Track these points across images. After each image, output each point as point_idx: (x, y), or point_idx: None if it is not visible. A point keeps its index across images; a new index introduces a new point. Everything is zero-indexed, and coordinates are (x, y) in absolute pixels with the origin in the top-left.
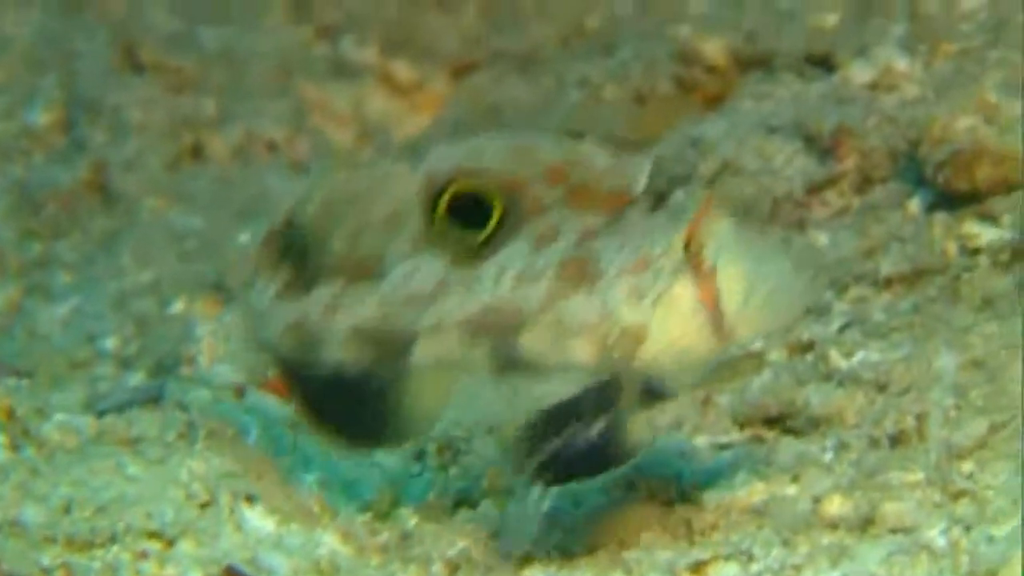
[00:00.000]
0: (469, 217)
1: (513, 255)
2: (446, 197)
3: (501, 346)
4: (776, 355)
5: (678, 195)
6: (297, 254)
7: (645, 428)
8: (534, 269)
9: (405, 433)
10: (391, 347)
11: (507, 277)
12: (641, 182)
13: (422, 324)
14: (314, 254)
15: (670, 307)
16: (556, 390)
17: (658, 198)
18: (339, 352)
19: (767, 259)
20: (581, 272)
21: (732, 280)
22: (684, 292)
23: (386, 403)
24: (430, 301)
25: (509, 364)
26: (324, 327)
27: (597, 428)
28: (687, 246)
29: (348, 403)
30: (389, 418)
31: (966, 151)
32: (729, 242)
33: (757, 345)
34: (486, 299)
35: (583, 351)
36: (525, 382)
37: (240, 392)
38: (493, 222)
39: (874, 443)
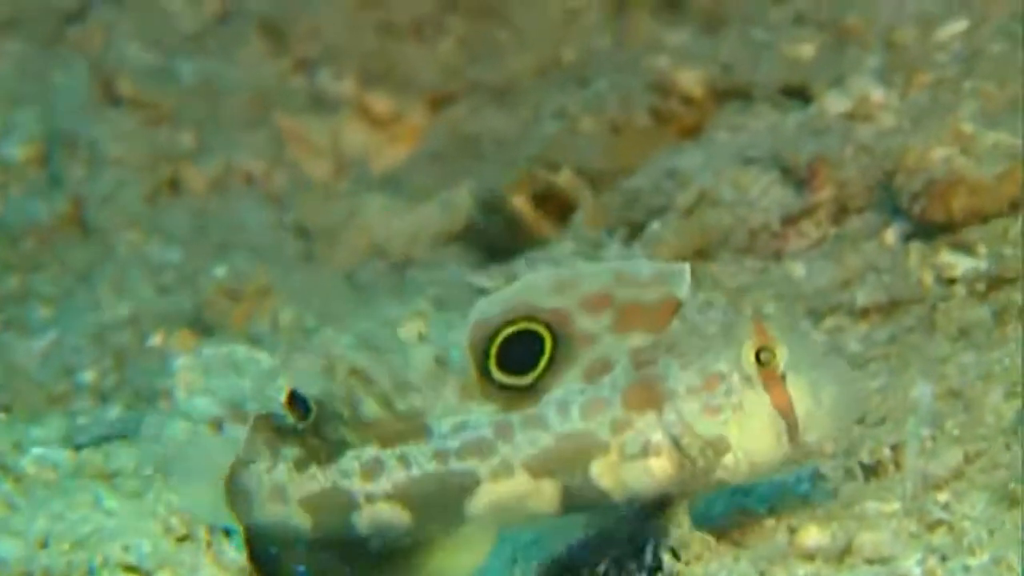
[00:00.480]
0: (522, 359)
1: (569, 389)
2: (499, 338)
3: (571, 480)
4: None
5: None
6: (299, 432)
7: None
8: (600, 398)
9: None
10: (445, 500)
11: (573, 410)
12: (686, 284)
13: (484, 470)
14: (332, 426)
15: (749, 418)
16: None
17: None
18: (382, 513)
19: (829, 365)
20: (648, 395)
21: (803, 386)
22: (760, 402)
23: (410, 570)
24: (492, 446)
25: (580, 498)
26: (361, 491)
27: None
28: (757, 358)
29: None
30: None
31: (942, 181)
32: (795, 351)
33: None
34: (556, 433)
35: (662, 470)
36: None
37: (218, 425)
38: (544, 361)
39: (850, 473)
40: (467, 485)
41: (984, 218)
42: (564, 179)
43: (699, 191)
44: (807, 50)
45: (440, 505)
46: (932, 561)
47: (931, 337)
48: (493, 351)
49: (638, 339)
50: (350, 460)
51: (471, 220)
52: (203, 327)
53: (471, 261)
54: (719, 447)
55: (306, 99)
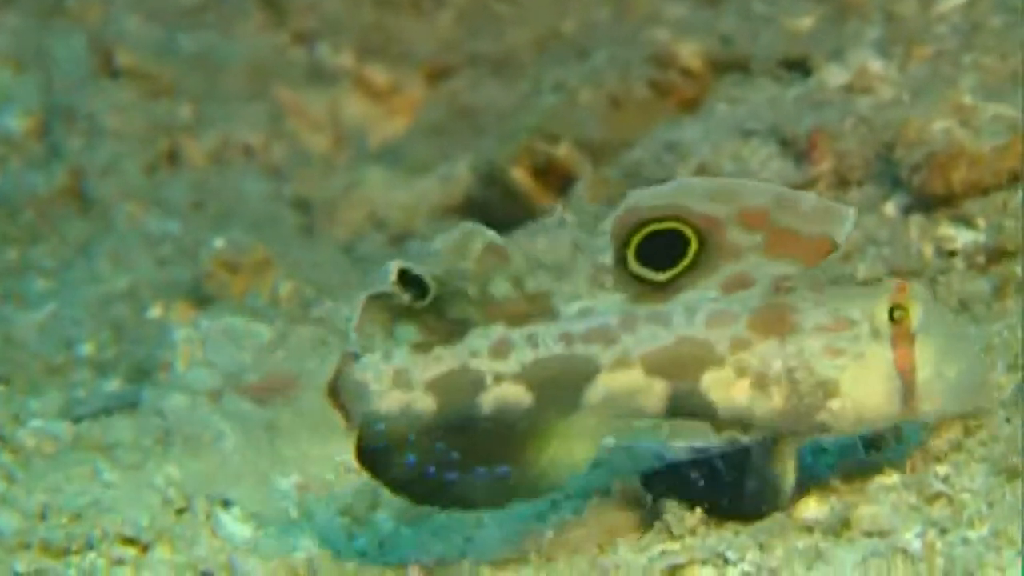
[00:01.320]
0: (661, 256)
1: (702, 296)
2: (641, 233)
3: (681, 386)
4: None
5: None
6: (415, 311)
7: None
8: (728, 312)
9: (541, 486)
10: (566, 383)
11: (699, 316)
12: (847, 230)
13: (606, 358)
14: (455, 304)
15: (866, 368)
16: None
17: None
18: (507, 394)
19: (962, 341)
20: (777, 321)
21: (931, 353)
22: (882, 356)
23: (524, 456)
24: (615, 336)
25: (686, 404)
26: (489, 370)
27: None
28: (891, 314)
29: (475, 460)
30: (526, 471)
31: (941, 153)
32: (930, 317)
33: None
34: (677, 334)
35: (769, 398)
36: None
37: (217, 396)
38: (685, 262)
39: (850, 446)
40: (588, 371)
41: (984, 190)
42: (563, 152)
43: (699, 164)
44: (807, 22)
45: (561, 389)
46: (931, 534)
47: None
48: (635, 242)
49: (784, 267)
50: (478, 339)
51: (470, 192)
52: (202, 299)
53: None
54: (829, 389)
55: (305, 72)
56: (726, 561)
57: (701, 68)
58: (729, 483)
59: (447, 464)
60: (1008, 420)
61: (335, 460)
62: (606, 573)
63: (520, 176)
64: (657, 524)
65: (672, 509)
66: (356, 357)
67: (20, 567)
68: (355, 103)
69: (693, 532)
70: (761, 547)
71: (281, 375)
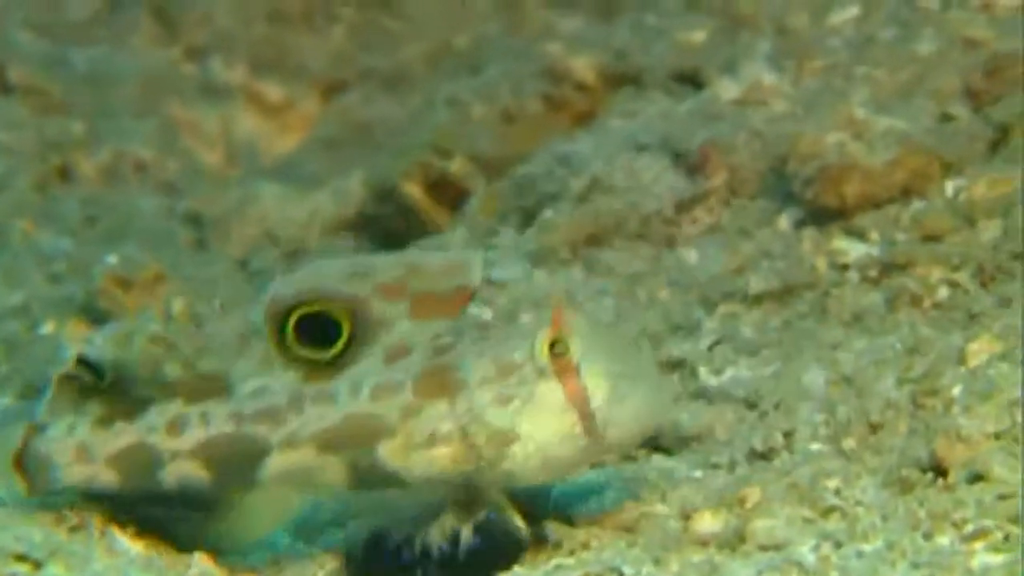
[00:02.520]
0: (316, 338)
1: (367, 370)
2: (294, 318)
3: (359, 458)
4: None
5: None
6: (101, 391)
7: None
8: (393, 381)
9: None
10: (240, 461)
11: (364, 390)
12: (478, 273)
13: (275, 438)
14: (134, 386)
15: (540, 409)
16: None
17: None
18: (185, 470)
19: (630, 357)
20: (442, 382)
21: (599, 379)
22: (551, 393)
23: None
24: (284, 415)
25: (367, 477)
26: (166, 447)
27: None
28: (551, 348)
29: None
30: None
31: (834, 167)
32: (592, 342)
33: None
34: (344, 411)
35: (446, 458)
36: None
37: None
38: (343, 340)
39: (743, 460)
40: (259, 450)
41: (876, 204)
42: (457, 167)
43: (592, 178)
44: (699, 36)
45: (236, 466)
46: (826, 547)
47: (824, 323)
48: (290, 328)
49: (434, 327)
50: (156, 416)
51: (364, 208)
52: (95, 315)
53: (364, 249)
54: (506, 437)
55: (197, 87)
56: (621, 575)
57: (595, 82)
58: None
59: None
60: (899, 433)
61: None
62: None
63: (413, 191)
64: (551, 539)
65: (560, 524)
66: (41, 429)
67: None
68: (248, 118)
69: (586, 546)
70: (656, 561)
71: None
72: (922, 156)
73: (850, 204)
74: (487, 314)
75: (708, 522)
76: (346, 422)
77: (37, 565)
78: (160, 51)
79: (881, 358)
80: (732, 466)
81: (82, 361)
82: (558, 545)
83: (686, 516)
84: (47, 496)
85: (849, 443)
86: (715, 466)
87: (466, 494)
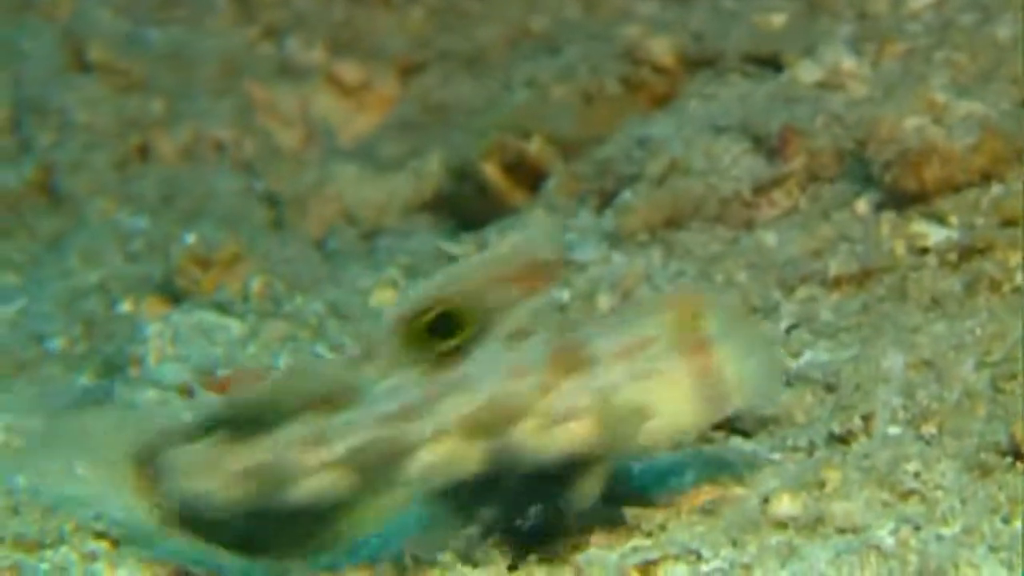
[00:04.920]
0: (438, 329)
1: (493, 353)
2: (425, 318)
3: (497, 442)
4: None
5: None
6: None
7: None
8: (524, 361)
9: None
10: (384, 465)
11: (497, 373)
12: (558, 239)
13: (420, 433)
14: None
15: (673, 384)
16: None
17: None
18: (324, 481)
19: (753, 333)
20: (574, 359)
21: (730, 353)
22: (686, 369)
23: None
24: (425, 408)
25: (504, 459)
26: (299, 462)
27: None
28: (681, 324)
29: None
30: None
31: (914, 151)
32: (723, 319)
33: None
34: (481, 396)
35: (586, 434)
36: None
37: (188, 392)
38: (467, 329)
39: (823, 442)
40: (405, 448)
41: (956, 188)
42: (535, 147)
43: (670, 160)
44: (778, 19)
45: (381, 470)
46: (905, 530)
47: (903, 307)
48: (418, 331)
49: (544, 301)
50: (296, 428)
51: (442, 188)
52: (173, 294)
53: (442, 229)
54: (642, 413)
55: (275, 67)
56: (699, 557)
57: (673, 64)
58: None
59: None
60: (979, 417)
61: None
62: (579, 570)
63: (491, 172)
64: (630, 520)
65: (638, 506)
66: (169, 440)
67: None
68: (326, 99)
69: (664, 528)
70: (734, 543)
71: (250, 371)
72: (1002, 140)
73: (929, 188)
74: (565, 295)
75: (787, 505)
76: (484, 406)
77: (116, 543)
78: (238, 31)
79: (960, 342)
80: (811, 449)
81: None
82: (636, 527)
83: (764, 499)
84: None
85: (928, 427)
86: (794, 449)
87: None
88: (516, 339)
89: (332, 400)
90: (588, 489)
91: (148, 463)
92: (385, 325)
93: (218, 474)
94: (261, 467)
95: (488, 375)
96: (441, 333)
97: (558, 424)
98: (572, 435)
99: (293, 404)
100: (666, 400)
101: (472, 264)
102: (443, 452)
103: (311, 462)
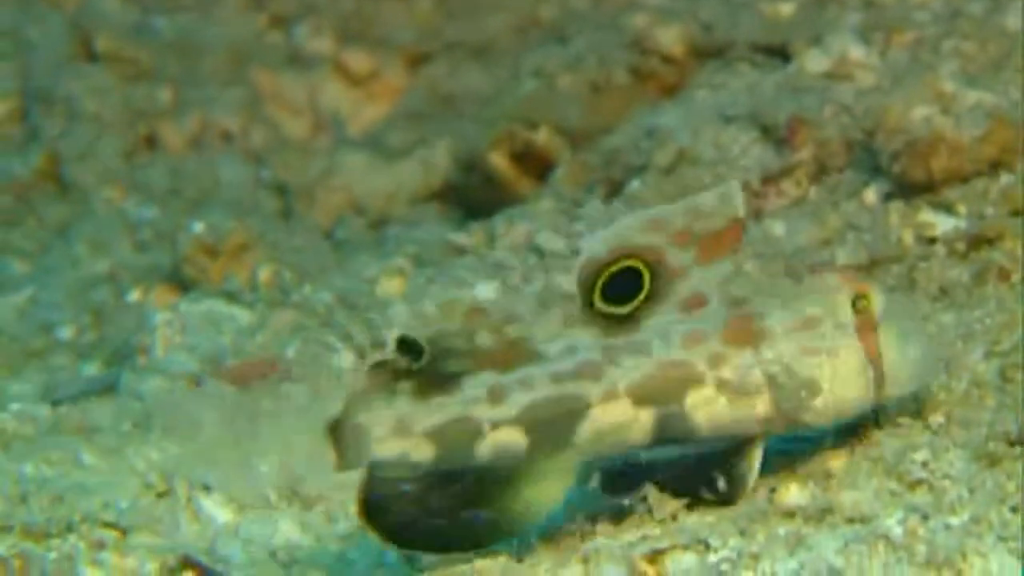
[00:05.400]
0: (616, 293)
1: (668, 320)
2: (604, 276)
3: (667, 411)
4: None
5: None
6: (414, 371)
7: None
8: (700, 330)
9: (517, 528)
10: (560, 423)
11: (674, 339)
12: (742, 203)
13: (595, 393)
14: (449, 360)
15: (842, 363)
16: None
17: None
18: (504, 439)
19: (915, 321)
20: (748, 330)
21: (893, 338)
22: (853, 349)
23: (503, 500)
24: (602, 370)
25: (671, 429)
26: (487, 417)
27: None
28: (853, 306)
29: (463, 506)
30: (504, 515)
31: (922, 140)
32: (888, 304)
33: None
34: (657, 360)
35: (758, 408)
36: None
37: (195, 381)
38: (644, 293)
39: (831, 432)
40: (579, 408)
41: (964, 178)
42: (543, 137)
43: (678, 149)
44: (786, 9)
45: (555, 429)
46: (913, 520)
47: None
48: (598, 286)
49: (721, 268)
50: (474, 387)
51: (449, 178)
52: (181, 283)
53: (449, 219)
54: (813, 389)
55: (283, 56)
56: (707, 547)
57: (681, 54)
58: (694, 479)
59: (437, 512)
60: (987, 406)
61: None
62: (586, 559)
63: (499, 161)
64: (639, 509)
65: (653, 494)
66: (361, 401)
67: (1, 550)
68: (334, 88)
69: (674, 517)
70: (742, 533)
71: (260, 360)
72: (1010, 130)
73: (938, 178)
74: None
75: (794, 494)
76: (659, 371)
77: (125, 532)
78: (246, 19)
79: (968, 332)
80: (819, 438)
81: (402, 342)
82: (645, 516)
83: (772, 488)
84: (367, 478)
85: (936, 417)
86: (801, 439)
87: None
88: (692, 306)
89: (508, 352)
90: (748, 465)
91: (341, 431)
92: (573, 272)
93: (408, 436)
94: (449, 424)
95: (663, 341)
96: (622, 287)
97: (731, 397)
98: (745, 409)
99: (469, 351)
100: (833, 379)
101: (661, 213)
102: (612, 417)
103: (493, 418)
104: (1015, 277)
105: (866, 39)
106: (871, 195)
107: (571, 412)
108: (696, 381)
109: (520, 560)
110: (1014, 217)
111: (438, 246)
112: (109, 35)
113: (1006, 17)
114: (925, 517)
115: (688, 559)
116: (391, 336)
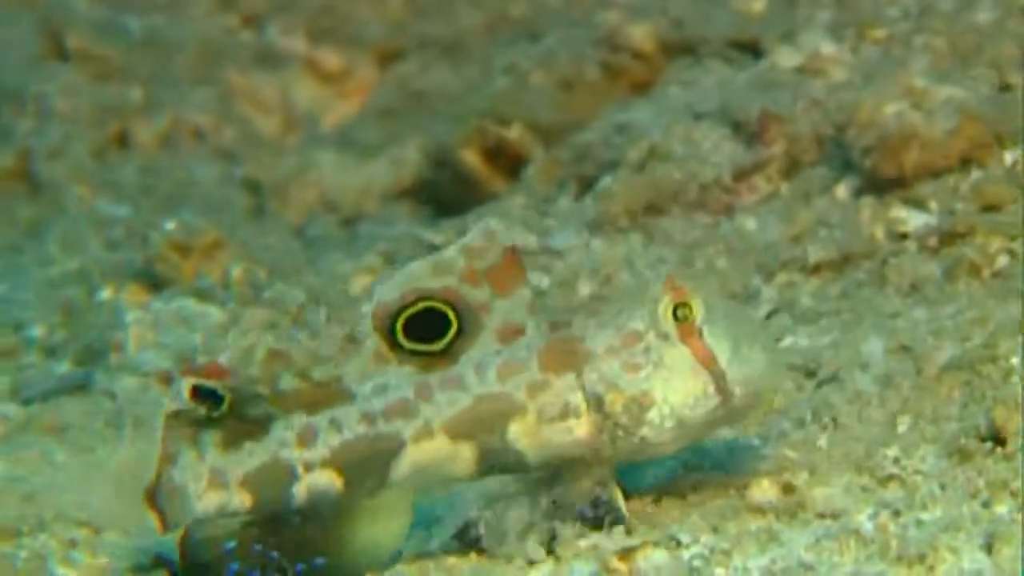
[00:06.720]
0: (423, 332)
1: (485, 352)
2: (402, 318)
3: (490, 442)
4: None
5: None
6: (216, 420)
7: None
8: (516, 359)
9: (360, 568)
10: (373, 463)
11: (490, 372)
12: (504, 234)
13: (409, 431)
14: (253, 405)
15: (671, 372)
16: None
17: None
18: (318, 481)
19: (744, 320)
20: (567, 355)
21: (723, 339)
22: (680, 356)
23: (337, 543)
24: (415, 408)
25: (497, 460)
26: (300, 459)
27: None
28: (673, 313)
29: (294, 556)
30: (342, 558)
31: (894, 136)
32: (711, 306)
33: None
34: (473, 394)
35: (582, 430)
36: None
37: (168, 379)
38: (453, 329)
39: (802, 428)
40: (393, 447)
41: (935, 173)
42: (514, 134)
43: (649, 146)
44: (758, 5)
45: (369, 469)
46: (884, 515)
47: (882, 292)
48: (399, 327)
49: (521, 295)
50: (283, 430)
51: (421, 175)
52: (153, 281)
53: (422, 216)
54: (643, 402)
55: (255, 54)
56: (679, 543)
57: (652, 51)
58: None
59: (268, 566)
60: (957, 402)
61: None
62: (557, 557)
63: (471, 159)
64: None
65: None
66: (171, 461)
67: None
68: (305, 86)
69: (644, 515)
70: (714, 529)
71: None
72: (981, 125)
73: (909, 173)
74: (545, 282)
75: (766, 490)
76: (477, 405)
77: (97, 530)
78: (218, 18)
79: (940, 327)
80: (790, 434)
81: (198, 390)
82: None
83: (744, 484)
84: (185, 542)
85: (908, 412)
86: (773, 435)
87: (578, 471)
88: (509, 336)
89: (318, 394)
90: (585, 487)
91: (156, 490)
92: (366, 319)
93: (224, 488)
94: (262, 470)
95: (480, 374)
96: (423, 328)
97: (553, 423)
98: (569, 433)
99: (275, 396)
100: (665, 388)
101: (442, 258)
102: (429, 454)
103: (306, 460)
104: (986, 273)
105: (838, 35)
106: (843, 191)
107: (384, 451)
108: (517, 411)
109: (490, 557)
110: (985, 213)
111: (410, 244)
112: (80, 34)
113: (977, 13)
114: (897, 513)
115: (659, 556)
116: (184, 384)
